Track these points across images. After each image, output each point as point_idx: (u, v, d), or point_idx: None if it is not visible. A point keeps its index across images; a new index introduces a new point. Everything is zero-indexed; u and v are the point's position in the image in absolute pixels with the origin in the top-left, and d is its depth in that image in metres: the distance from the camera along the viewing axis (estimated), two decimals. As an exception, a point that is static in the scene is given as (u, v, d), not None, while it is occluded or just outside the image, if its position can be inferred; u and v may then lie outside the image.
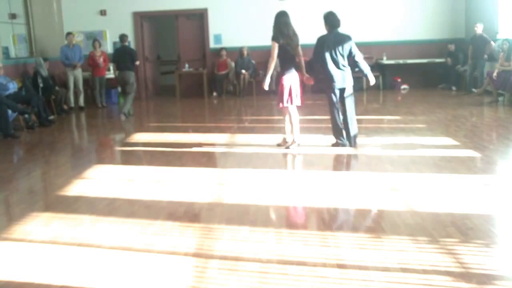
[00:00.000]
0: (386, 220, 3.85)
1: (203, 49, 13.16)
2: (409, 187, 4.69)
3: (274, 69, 6.66)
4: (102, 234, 3.78)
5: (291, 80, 6.15)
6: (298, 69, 6.29)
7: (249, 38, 12.48)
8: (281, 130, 6.84)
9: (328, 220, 3.94)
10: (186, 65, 12.99)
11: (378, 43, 12.62)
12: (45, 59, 10.60)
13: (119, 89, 12.11)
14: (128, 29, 12.51)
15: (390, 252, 3.25)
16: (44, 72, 10.27)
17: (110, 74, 12.15)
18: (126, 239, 3.65)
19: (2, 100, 8.15)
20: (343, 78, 6.08)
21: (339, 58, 6.02)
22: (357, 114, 6.54)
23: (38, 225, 4.04)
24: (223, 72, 12.79)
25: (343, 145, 6.28)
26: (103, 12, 12.93)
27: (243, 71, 12.44)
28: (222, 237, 3.63)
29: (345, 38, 6.06)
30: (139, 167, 6.08)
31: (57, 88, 10.66)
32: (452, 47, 12.26)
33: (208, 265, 3.16)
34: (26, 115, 8.84)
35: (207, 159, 6.29)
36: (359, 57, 6.07)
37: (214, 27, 12.93)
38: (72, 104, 11.31)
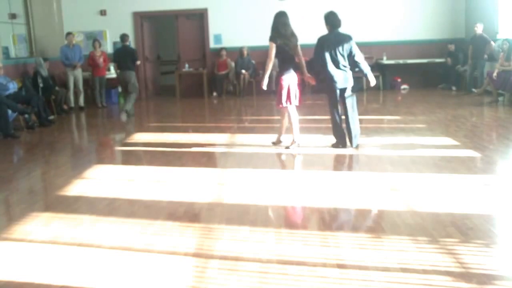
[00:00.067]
0: (386, 220, 3.85)
1: (203, 49, 13.16)
2: (409, 187, 4.69)
3: (274, 69, 6.67)
4: (102, 234, 3.78)
5: (290, 80, 6.15)
6: (298, 69, 6.29)
7: (249, 38, 12.48)
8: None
9: (328, 220, 3.93)
10: (186, 65, 12.99)
11: (378, 43, 12.62)
12: (45, 59, 10.61)
13: (119, 89, 12.12)
14: (128, 29, 12.50)
15: (390, 252, 3.25)
16: (44, 72, 10.28)
17: (110, 74, 12.17)
18: (126, 239, 3.65)
19: (2, 100, 8.15)
20: (344, 79, 6.07)
21: (340, 58, 6.02)
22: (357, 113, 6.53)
23: (38, 225, 4.04)
24: (223, 72, 12.79)
25: (343, 145, 6.28)
26: (103, 12, 12.94)
27: (243, 71, 12.45)
28: (222, 237, 3.63)
29: (346, 38, 6.06)
30: (139, 167, 6.08)
31: (57, 88, 10.66)
32: (452, 47, 12.26)
33: (208, 265, 3.16)
34: (26, 115, 8.84)
35: (207, 159, 6.29)
36: (359, 57, 6.07)
37: (214, 27, 12.93)
38: (72, 104, 11.31)
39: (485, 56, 10.85)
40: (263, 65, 6.24)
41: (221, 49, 12.77)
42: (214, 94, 12.93)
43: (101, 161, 6.64)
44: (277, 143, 6.59)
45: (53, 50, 11.64)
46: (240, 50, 12.56)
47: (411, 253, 3.22)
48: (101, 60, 11.49)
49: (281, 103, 6.24)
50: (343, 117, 6.27)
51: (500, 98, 9.92)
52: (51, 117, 9.65)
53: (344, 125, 6.28)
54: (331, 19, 6.11)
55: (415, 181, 4.86)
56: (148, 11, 12.97)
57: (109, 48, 12.73)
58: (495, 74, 9.74)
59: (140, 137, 8.17)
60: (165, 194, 4.74)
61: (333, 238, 3.51)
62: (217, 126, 8.88)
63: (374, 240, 3.46)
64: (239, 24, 12.73)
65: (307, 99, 11.11)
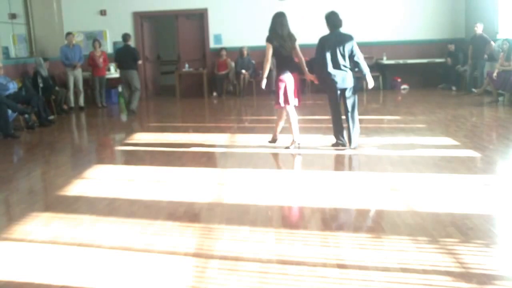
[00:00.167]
0: (386, 220, 3.85)
1: (203, 49, 13.16)
2: (409, 187, 4.69)
3: (274, 69, 6.67)
4: (102, 234, 3.78)
5: (286, 81, 6.15)
6: (297, 69, 6.29)
7: (249, 38, 12.48)
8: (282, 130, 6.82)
9: (328, 220, 3.93)
10: (186, 65, 12.99)
11: (378, 43, 12.62)
12: (45, 59, 10.60)
13: (119, 88, 12.11)
14: (128, 29, 12.50)
15: (390, 252, 3.25)
16: (44, 72, 10.28)
17: (110, 74, 12.17)
18: (126, 239, 3.65)
19: (2, 100, 8.15)
20: (344, 79, 6.07)
21: (340, 59, 6.01)
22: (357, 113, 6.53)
23: (38, 225, 4.03)
24: (223, 72, 12.79)
25: (343, 145, 6.28)
26: (103, 12, 12.94)
27: (243, 71, 12.45)
28: (222, 237, 3.62)
29: (347, 38, 6.04)
30: (139, 167, 6.07)
31: (57, 88, 10.66)
32: (452, 47, 12.26)
33: (208, 265, 3.16)
34: (26, 115, 8.84)
35: (207, 159, 6.28)
36: (359, 57, 6.06)
37: (214, 27, 12.93)
38: (72, 104, 11.30)
39: (485, 56, 10.85)
40: (262, 65, 6.24)
41: (221, 49, 12.77)
42: (214, 94, 12.94)
43: (101, 161, 6.64)
44: (272, 141, 6.62)
45: (53, 50, 11.65)
46: (240, 50, 12.56)
47: (411, 253, 3.22)
48: (101, 60, 11.50)
49: (278, 103, 6.25)
50: (343, 117, 6.27)
51: (500, 98, 9.92)
52: (51, 117, 9.65)
53: (344, 125, 6.28)
54: (332, 19, 6.11)
55: (415, 181, 4.86)
56: (148, 11, 12.97)
57: (109, 48, 12.74)
58: (495, 74, 9.74)
59: (140, 137, 8.17)
60: (165, 194, 4.74)
61: (333, 238, 3.51)
62: (217, 126, 8.89)
63: (374, 240, 3.46)
64: (239, 24, 12.74)
65: (307, 99, 11.12)
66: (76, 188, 5.09)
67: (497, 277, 2.87)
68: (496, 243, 3.39)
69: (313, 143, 6.68)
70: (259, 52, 12.16)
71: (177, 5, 12.83)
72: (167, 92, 13.93)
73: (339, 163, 5.98)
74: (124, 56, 10.14)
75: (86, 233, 3.83)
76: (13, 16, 11.45)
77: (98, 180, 5.41)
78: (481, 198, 4.32)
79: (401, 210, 4.03)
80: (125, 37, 10.27)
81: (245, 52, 12.53)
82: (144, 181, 5.29)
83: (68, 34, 11.36)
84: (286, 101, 6.20)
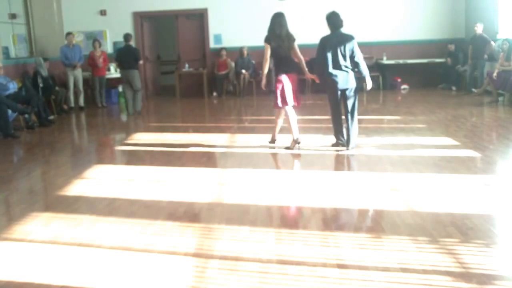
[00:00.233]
0: (386, 220, 3.85)
1: (203, 49, 13.16)
2: (409, 187, 4.70)
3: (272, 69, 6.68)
4: (102, 234, 3.78)
5: (284, 81, 6.15)
6: (296, 69, 6.29)
7: (249, 38, 12.46)
8: (281, 130, 6.82)
9: (328, 220, 3.93)
10: (186, 65, 12.99)
11: (378, 43, 12.62)
12: (45, 59, 10.61)
13: (120, 88, 12.11)
14: (128, 29, 12.49)
15: (390, 252, 3.25)
16: (44, 72, 10.28)
17: (110, 74, 12.17)
18: (126, 239, 3.65)
19: (2, 100, 8.16)
20: (345, 79, 6.06)
21: (341, 59, 6.00)
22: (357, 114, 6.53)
23: (38, 225, 4.04)
24: (223, 72, 12.79)
25: (344, 145, 6.28)
26: (103, 12, 12.94)
27: (243, 71, 12.45)
28: (222, 237, 3.63)
29: (348, 38, 6.03)
30: (139, 167, 6.07)
31: (57, 88, 10.66)
32: (452, 47, 12.26)
33: (208, 265, 3.16)
34: (26, 115, 8.84)
35: (207, 159, 6.28)
36: (359, 58, 6.06)
37: (214, 27, 12.93)
38: (72, 104, 11.31)
39: (485, 56, 10.85)
40: (262, 65, 6.24)
41: (221, 49, 12.77)
42: (214, 94, 12.93)
43: (101, 161, 6.64)
44: (271, 142, 6.63)
45: (53, 50, 11.65)
46: (240, 50, 12.56)
47: (411, 253, 3.22)
48: (100, 60, 11.50)
49: (276, 104, 6.25)
50: (343, 117, 6.27)
51: (500, 98, 9.92)
52: (51, 117, 9.65)
53: (345, 125, 6.28)
54: (333, 20, 6.10)
55: (415, 181, 4.86)
56: (148, 11, 12.97)
57: (109, 48, 12.74)
58: (495, 74, 9.74)
59: (140, 137, 8.17)
60: (165, 194, 4.74)
61: (333, 238, 3.51)
62: (217, 126, 8.89)
63: (374, 240, 3.46)
64: (239, 24, 12.73)
65: (307, 99, 11.12)
66: (76, 188, 5.09)
67: (497, 277, 2.87)
68: (496, 243, 3.39)
69: (313, 143, 6.68)
70: (259, 52, 12.09)
71: (177, 5, 12.83)
72: (167, 92, 13.93)
73: (339, 163, 5.98)
74: (126, 56, 10.15)
75: (86, 233, 3.83)
76: (13, 16, 11.46)
77: (98, 180, 5.41)
78: (481, 198, 4.32)
79: (401, 210, 4.04)
80: (127, 37, 10.28)
81: (245, 52, 12.53)
82: (144, 181, 5.29)
83: (68, 34, 11.37)
84: (284, 101, 6.20)
